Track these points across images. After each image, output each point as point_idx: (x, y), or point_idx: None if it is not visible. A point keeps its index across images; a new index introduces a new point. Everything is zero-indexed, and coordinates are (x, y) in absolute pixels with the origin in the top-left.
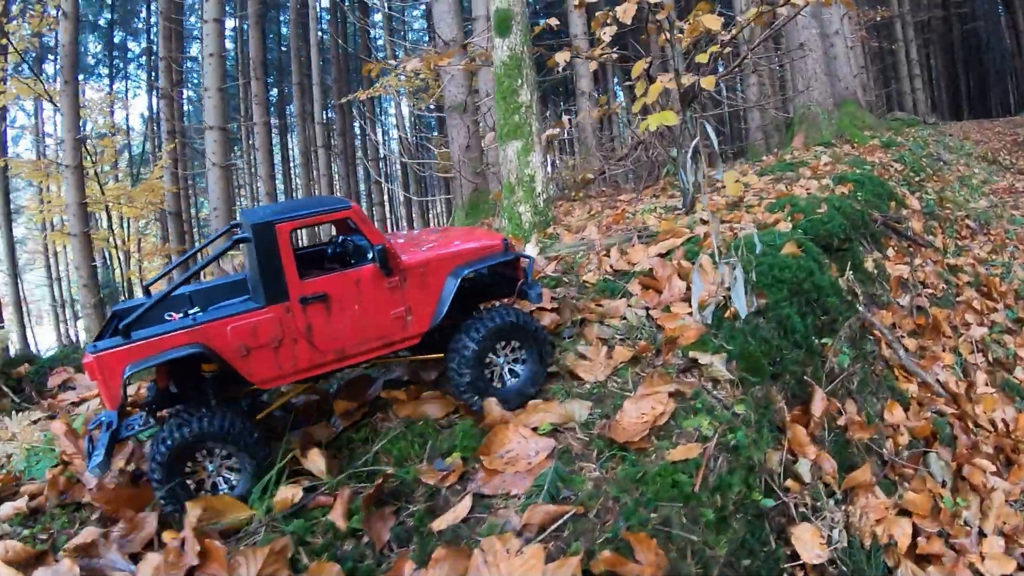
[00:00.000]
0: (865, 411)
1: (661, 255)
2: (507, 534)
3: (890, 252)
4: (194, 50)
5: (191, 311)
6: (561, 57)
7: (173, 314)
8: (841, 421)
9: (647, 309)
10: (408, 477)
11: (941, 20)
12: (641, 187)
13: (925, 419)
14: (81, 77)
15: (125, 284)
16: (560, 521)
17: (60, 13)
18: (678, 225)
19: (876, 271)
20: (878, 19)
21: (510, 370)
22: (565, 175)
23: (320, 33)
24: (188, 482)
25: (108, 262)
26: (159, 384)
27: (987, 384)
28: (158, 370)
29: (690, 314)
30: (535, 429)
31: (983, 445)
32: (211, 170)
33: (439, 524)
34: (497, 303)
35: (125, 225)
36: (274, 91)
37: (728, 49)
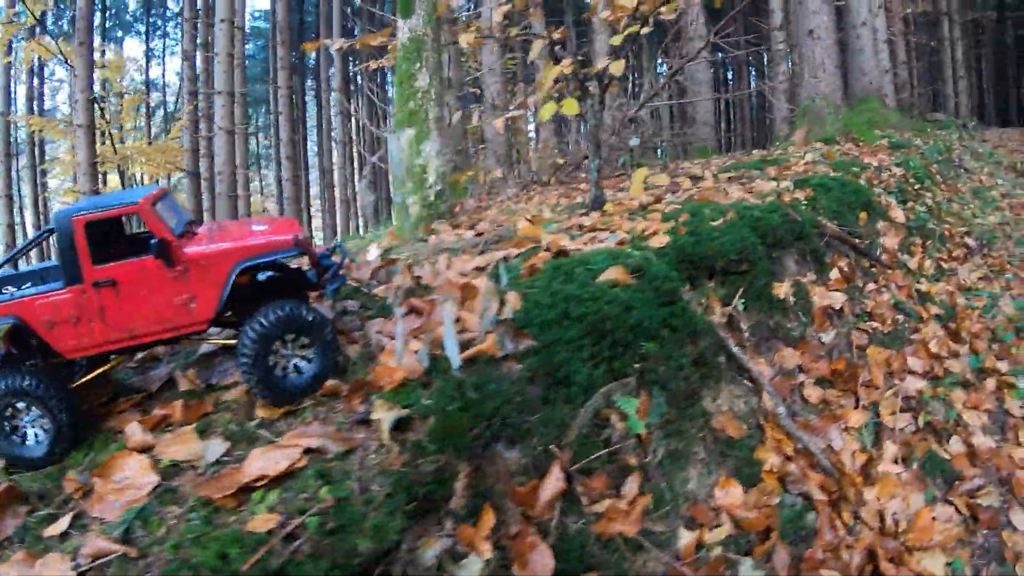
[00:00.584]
0: (671, 490)
1: (479, 268)
2: (67, 554)
3: (834, 274)
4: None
5: (24, 287)
6: (465, 39)
7: (10, 288)
8: (600, 507)
9: (391, 339)
10: (48, 483)
11: (994, 21)
12: (598, 178)
13: (769, 506)
14: (120, 34)
15: None
16: (109, 558)
17: None
18: (548, 230)
19: (795, 299)
20: (916, 12)
21: (296, 365)
22: (536, 158)
23: None
24: (5, 426)
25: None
26: (5, 346)
27: (898, 460)
28: (4, 336)
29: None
30: (158, 461)
31: (847, 550)
32: (218, 134)
33: (48, 532)
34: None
35: (141, 183)
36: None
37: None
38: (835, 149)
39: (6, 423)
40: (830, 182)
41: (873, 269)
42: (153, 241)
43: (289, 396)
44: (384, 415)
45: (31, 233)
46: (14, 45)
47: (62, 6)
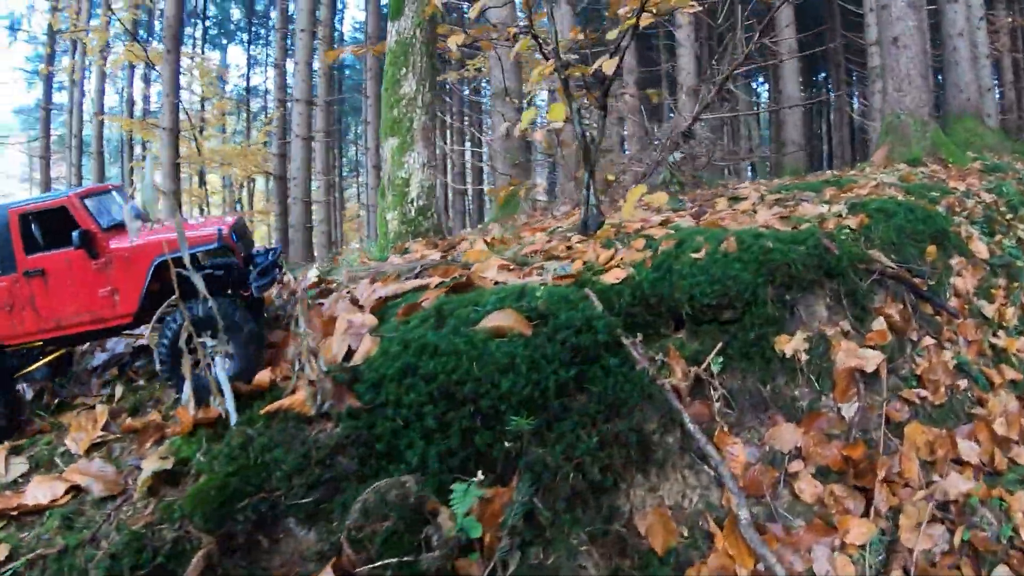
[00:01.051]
0: None
1: (386, 298)
2: None
3: (877, 323)
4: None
5: None
6: (453, 40)
7: None
8: None
9: None
10: None
11: None
12: (589, 196)
13: None
14: (224, 41)
15: None
16: None
17: None
18: (502, 256)
19: (808, 357)
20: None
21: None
22: (580, 175)
23: None
24: None
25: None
26: None
27: None
28: None
29: None
30: None
31: None
32: (294, 140)
33: None
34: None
35: (227, 184)
36: None
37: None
38: (918, 171)
39: None
40: (893, 207)
41: (936, 318)
42: (75, 232)
43: (206, 392)
44: (148, 465)
45: None
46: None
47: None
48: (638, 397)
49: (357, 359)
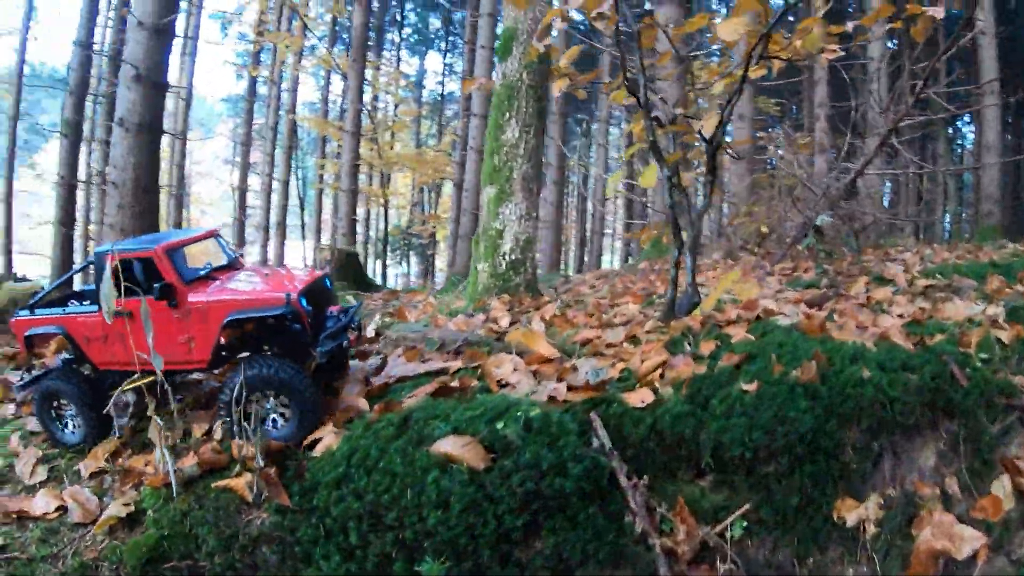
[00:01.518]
0: None
1: (407, 378)
2: None
3: (997, 486)
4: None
5: (84, 304)
6: (558, 86)
7: (73, 302)
8: None
9: None
10: None
11: None
12: (677, 273)
13: None
14: (424, 48)
15: (382, 237)
16: None
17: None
18: (554, 339)
19: (878, 530)
20: None
21: (274, 419)
22: (737, 224)
23: None
24: (53, 414)
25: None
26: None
27: None
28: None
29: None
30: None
31: None
32: (469, 152)
33: None
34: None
35: (409, 187)
36: None
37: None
38: None
39: (54, 412)
40: None
41: None
42: (157, 284)
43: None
44: (112, 507)
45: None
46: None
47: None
48: (606, 556)
49: (317, 451)
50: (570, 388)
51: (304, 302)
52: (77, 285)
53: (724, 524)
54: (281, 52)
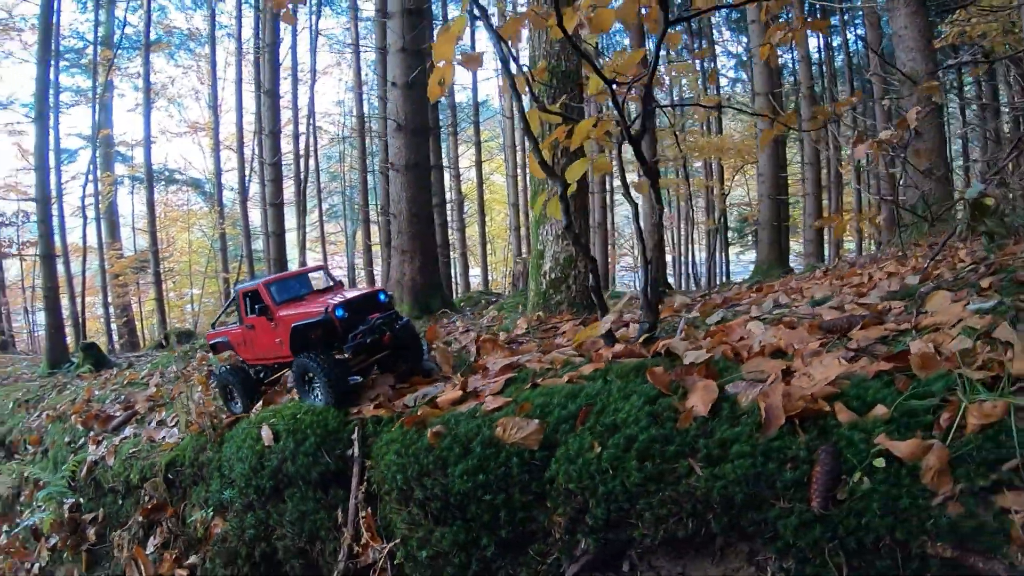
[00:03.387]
0: None
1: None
2: None
3: None
4: None
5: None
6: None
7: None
8: None
9: None
10: None
11: None
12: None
13: None
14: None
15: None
16: None
17: None
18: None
19: None
20: None
21: (316, 391)
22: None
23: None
24: (227, 395)
25: None
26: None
27: None
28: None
29: None
30: None
31: None
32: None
33: None
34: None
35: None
36: None
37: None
38: None
39: (228, 394)
40: None
41: None
42: (258, 306)
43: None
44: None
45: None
46: None
47: None
48: None
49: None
50: None
51: (340, 312)
52: None
53: None
54: None
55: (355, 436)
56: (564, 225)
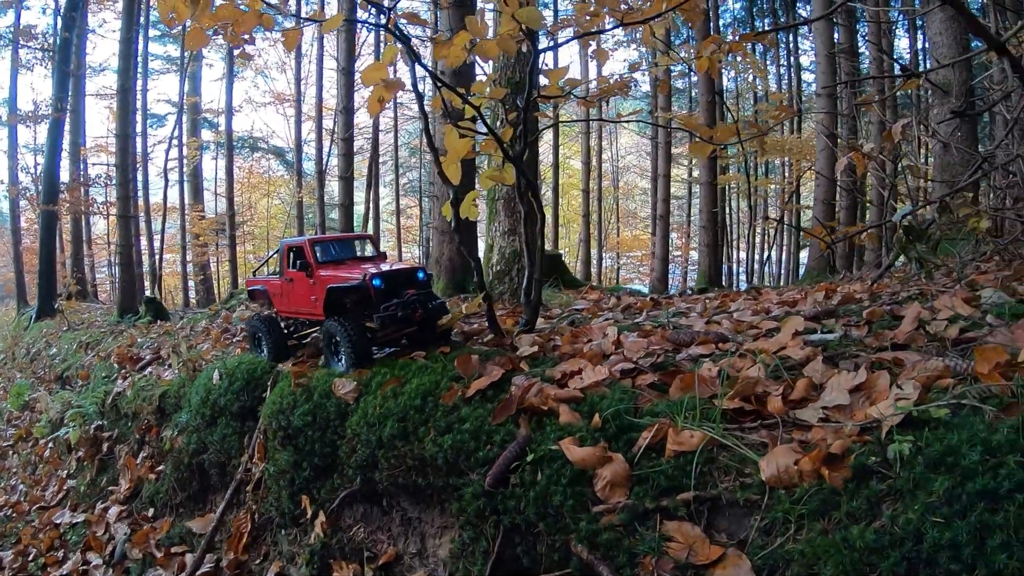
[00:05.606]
0: None
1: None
2: None
3: None
4: None
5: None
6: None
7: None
8: None
9: None
10: None
11: None
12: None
13: None
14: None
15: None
16: None
17: None
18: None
19: None
20: None
21: (340, 355)
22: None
23: None
24: (256, 342)
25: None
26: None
27: None
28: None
29: None
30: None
31: None
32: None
33: None
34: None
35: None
36: None
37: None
38: None
39: (257, 341)
40: None
41: None
42: (300, 261)
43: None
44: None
45: None
46: None
47: None
48: None
49: None
50: None
51: (378, 282)
52: None
53: None
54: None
55: (269, 383)
56: (453, 227)
